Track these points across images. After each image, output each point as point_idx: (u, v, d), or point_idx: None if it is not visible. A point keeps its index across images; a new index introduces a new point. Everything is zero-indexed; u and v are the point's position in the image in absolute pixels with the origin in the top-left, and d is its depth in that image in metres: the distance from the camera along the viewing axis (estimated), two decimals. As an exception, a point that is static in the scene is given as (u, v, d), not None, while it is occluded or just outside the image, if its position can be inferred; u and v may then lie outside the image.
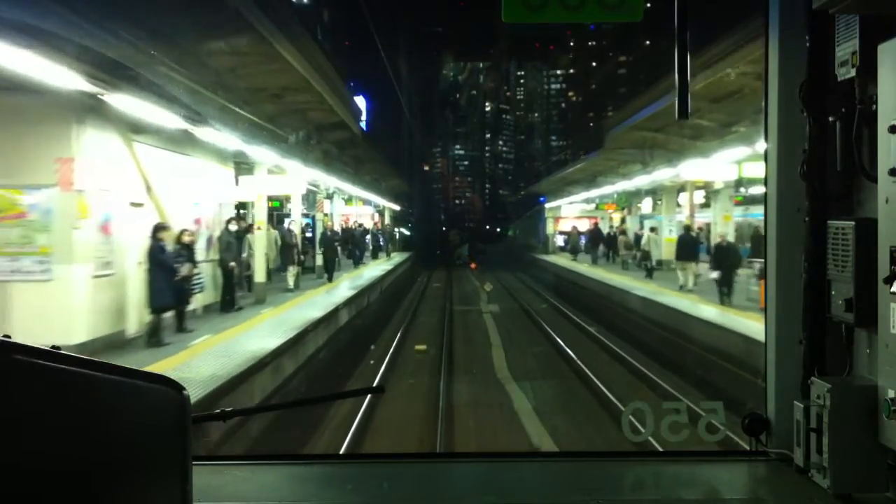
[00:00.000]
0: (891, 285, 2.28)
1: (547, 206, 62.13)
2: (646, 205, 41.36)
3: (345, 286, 26.31)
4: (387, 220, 58.25)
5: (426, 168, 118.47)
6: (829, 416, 2.40)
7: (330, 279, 27.43)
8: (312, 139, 26.41)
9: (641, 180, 34.09)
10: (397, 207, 65.86)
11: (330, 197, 35.33)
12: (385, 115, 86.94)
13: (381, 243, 48.48)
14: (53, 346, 1.29)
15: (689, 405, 3.09)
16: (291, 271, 23.83)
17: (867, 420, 2.36)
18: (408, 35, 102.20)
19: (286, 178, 23.54)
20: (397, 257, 50.63)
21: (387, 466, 3.10)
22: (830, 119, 2.62)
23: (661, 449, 3.12)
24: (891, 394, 2.28)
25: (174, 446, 1.40)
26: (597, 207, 51.52)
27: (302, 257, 25.24)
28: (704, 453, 2.93)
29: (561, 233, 55.75)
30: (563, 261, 45.57)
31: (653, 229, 33.46)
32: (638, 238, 34.88)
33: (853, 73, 2.51)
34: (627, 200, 43.07)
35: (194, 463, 1.44)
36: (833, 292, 2.59)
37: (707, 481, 2.80)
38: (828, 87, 2.65)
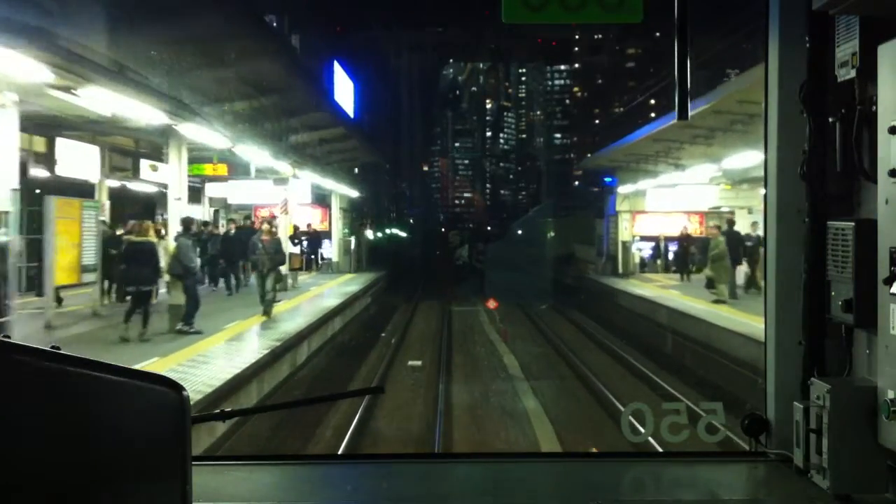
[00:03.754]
0: (891, 286, 2.28)
1: (620, 191, 33.23)
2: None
3: None
4: (335, 216, 33.50)
5: (425, 168, 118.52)
6: (828, 416, 2.40)
7: None
8: None
9: None
10: (354, 193, 38.95)
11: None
12: (382, 110, 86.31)
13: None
14: (53, 346, 1.29)
15: (688, 405, 3.10)
16: None
17: (867, 421, 2.36)
18: (407, 34, 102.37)
19: None
20: (332, 298, 22.85)
21: (387, 466, 3.10)
22: (830, 120, 2.62)
23: (660, 449, 3.12)
24: (890, 395, 2.28)
25: (174, 446, 1.40)
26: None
27: None
28: (704, 454, 2.93)
29: (645, 238, 32.25)
30: (694, 304, 19.75)
31: None
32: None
33: (853, 73, 2.52)
34: None
35: (194, 463, 1.45)
36: (833, 293, 2.59)
37: (706, 482, 2.80)
38: (828, 87, 2.65)
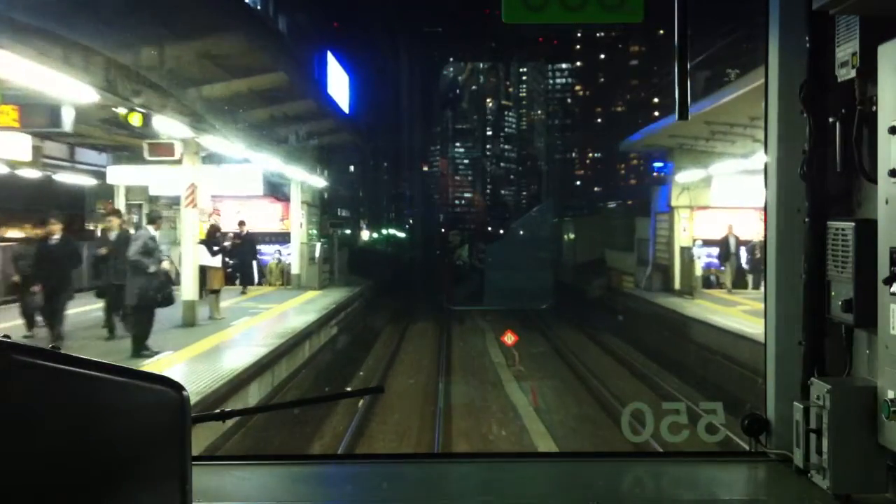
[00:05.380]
0: (891, 286, 2.28)
1: (678, 179, 24.30)
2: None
3: None
4: (302, 214, 25.34)
5: (425, 168, 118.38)
6: (828, 416, 2.40)
7: None
8: None
9: None
10: (321, 182, 28.59)
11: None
12: (381, 110, 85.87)
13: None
14: (53, 346, 1.29)
15: (688, 405, 3.10)
16: None
17: (867, 421, 2.36)
18: (407, 34, 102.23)
19: None
20: (255, 344, 13.80)
21: (386, 466, 3.10)
22: (830, 120, 2.62)
23: (660, 449, 3.12)
24: (890, 394, 2.28)
25: (174, 446, 1.40)
26: None
27: None
28: (704, 454, 2.93)
29: (708, 243, 23.44)
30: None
31: None
32: None
33: (853, 73, 2.52)
34: None
35: (194, 463, 1.45)
36: (833, 293, 2.59)
37: (706, 482, 2.80)
38: (828, 87, 2.65)
